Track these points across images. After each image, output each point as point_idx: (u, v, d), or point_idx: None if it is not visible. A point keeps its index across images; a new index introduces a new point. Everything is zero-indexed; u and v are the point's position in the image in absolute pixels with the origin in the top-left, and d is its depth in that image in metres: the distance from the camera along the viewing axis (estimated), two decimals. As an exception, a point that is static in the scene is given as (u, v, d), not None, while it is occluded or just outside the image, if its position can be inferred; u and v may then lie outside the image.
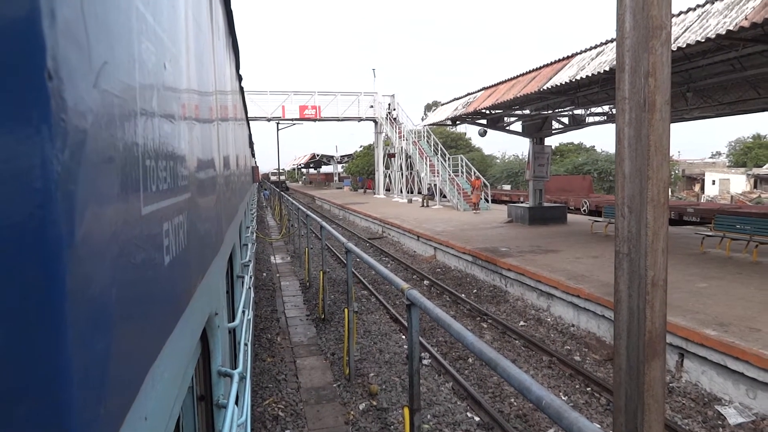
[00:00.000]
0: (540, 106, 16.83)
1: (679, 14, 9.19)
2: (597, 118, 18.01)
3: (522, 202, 22.50)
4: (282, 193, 28.79)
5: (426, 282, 12.62)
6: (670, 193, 41.73)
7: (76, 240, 0.48)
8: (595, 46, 11.78)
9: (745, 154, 58.31)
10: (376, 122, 36.93)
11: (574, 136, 59.14)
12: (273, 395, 6.27)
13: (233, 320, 2.55)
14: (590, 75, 10.46)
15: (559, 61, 13.25)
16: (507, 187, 43.84)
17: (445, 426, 5.62)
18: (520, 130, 19.41)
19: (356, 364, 7.02)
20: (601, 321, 8.24)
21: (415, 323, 3.67)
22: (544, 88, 12.38)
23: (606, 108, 16.81)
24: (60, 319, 0.45)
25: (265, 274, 13.73)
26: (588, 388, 6.62)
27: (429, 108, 67.97)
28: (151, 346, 0.75)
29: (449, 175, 27.42)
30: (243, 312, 2.78)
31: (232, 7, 3.39)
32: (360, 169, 54.14)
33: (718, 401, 6.08)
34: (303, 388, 6.43)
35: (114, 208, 0.59)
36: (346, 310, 6.52)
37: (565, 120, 18.60)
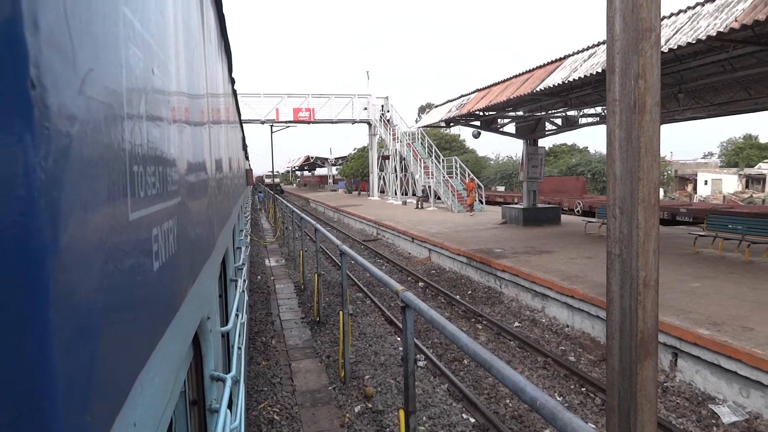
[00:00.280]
0: (533, 108, 16.89)
1: (670, 16, 9.25)
2: (590, 119, 18.09)
3: (516, 204, 22.58)
4: (276, 196, 28.70)
5: (421, 284, 12.63)
6: (662, 194, 41.99)
7: (60, 247, 0.48)
8: (588, 48, 11.84)
9: (737, 155, 58.75)
10: (370, 124, 36.95)
11: (567, 138, 59.42)
12: (268, 399, 6.25)
13: (227, 324, 2.54)
14: (583, 76, 10.52)
15: (552, 62, 13.31)
16: (501, 188, 43.96)
17: (440, 428, 5.62)
18: (513, 131, 19.47)
19: (351, 367, 7.00)
20: (595, 321, 8.27)
21: (410, 325, 3.67)
22: (537, 89, 12.43)
23: (599, 109, 16.89)
24: (44, 325, 0.45)
25: (259, 277, 13.69)
26: (583, 389, 6.64)
27: (423, 110, 68.09)
28: (140, 351, 0.75)
29: (443, 176, 27.46)
30: (236, 315, 2.77)
31: (224, 11, 3.38)
32: (354, 172, 54.13)
33: (712, 400, 6.11)
34: (298, 391, 6.41)
35: (100, 214, 0.59)
36: (341, 312, 6.51)
37: (559, 121, 18.68)
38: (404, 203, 31.61)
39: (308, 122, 35.33)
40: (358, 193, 47.78)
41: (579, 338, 8.38)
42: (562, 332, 8.75)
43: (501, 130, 19.53)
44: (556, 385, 6.78)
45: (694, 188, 50.28)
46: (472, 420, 5.82)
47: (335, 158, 75.28)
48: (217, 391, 1.73)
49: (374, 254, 17.16)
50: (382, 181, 38.94)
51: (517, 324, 9.36)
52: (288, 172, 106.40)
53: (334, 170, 78.56)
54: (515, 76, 15.32)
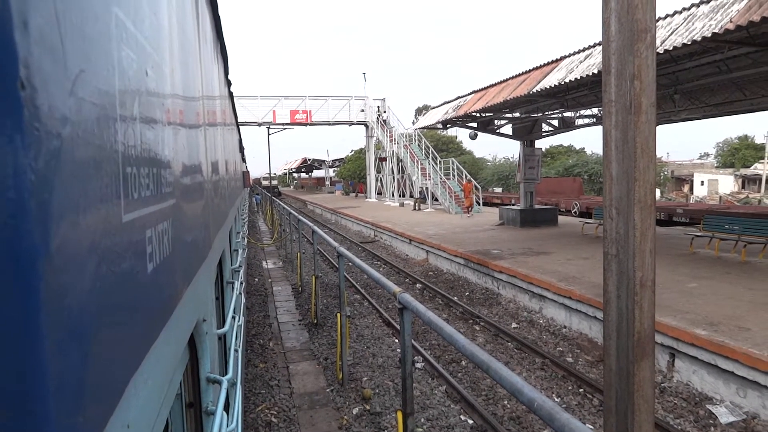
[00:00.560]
0: (530, 109, 16.92)
1: (665, 17, 9.28)
2: (586, 121, 18.13)
3: (513, 205, 22.60)
4: (274, 198, 28.64)
5: (418, 285, 12.63)
6: (659, 194, 42.12)
7: (51, 248, 0.47)
8: (584, 49, 11.87)
9: (733, 155, 58.99)
10: (367, 126, 36.95)
11: (564, 139, 59.61)
12: (266, 401, 6.23)
13: (223, 326, 2.53)
14: (579, 78, 10.54)
15: (549, 63, 13.34)
16: (498, 189, 44.00)
17: (438, 429, 5.61)
18: (510, 132, 19.50)
19: (349, 369, 6.99)
20: (592, 322, 8.28)
21: (408, 327, 3.67)
22: (534, 91, 12.45)
23: (595, 110, 16.94)
24: (36, 327, 0.45)
25: (257, 279, 13.67)
26: (581, 389, 6.64)
27: (419, 111, 68.17)
28: (134, 353, 0.75)
29: (441, 178, 27.48)
30: (233, 318, 2.76)
31: (220, 12, 3.38)
32: (351, 173, 54.13)
33: (710, 400, 6.12)
34: (296, 393, 6.40)
35: (92, 216, 0.59)
36: (338, 314, 6.50)
37: (555, 122, 18.71)
38: (401, 205, 31.62)
39: (305, 124, 35.31)
40: (356, 195, 47.76)
41: (576, 339, 8.38)
42: (560, 333, 8.75)
43: (498, 131, 19.56)
44: (554, 386, 6.78)
45: (691, 189, 50.45)
46: (470, 421, 5.82)
47: (332, 160, 75.31)
48: (213, 393, 1.72)
49: (372, 256, 17.16)
50: (379, 183, 38.94)
51: (514, 325, 9.36)
52: (285, 174, 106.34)
53: (331, 172, 78.59)
54: (512, 78, 15.35)
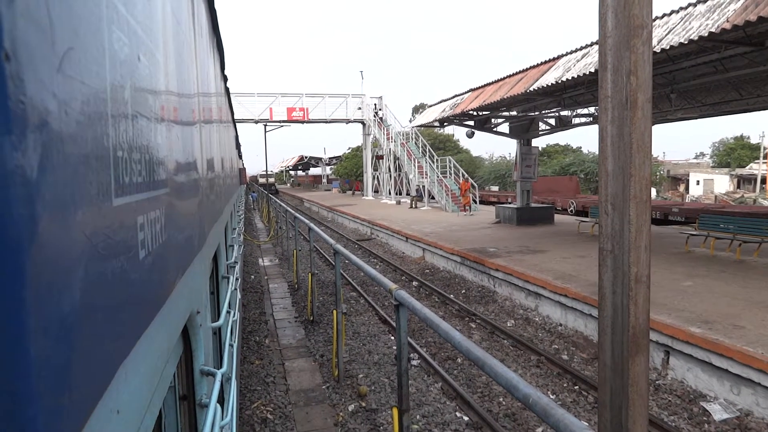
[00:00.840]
0: (527, 108, 16.94)
1: (662, 16, 9.30)
2: (583, 119, 18.17)
3: (510, 203, 22.64)
4: (270, 195, 28.55)
5: (415, 283, 12.63)
6: (655, 194, 42.25)
7: (38, 229, 0.47)
8: (581, 48, 11.88)
9: (728, 155, 59.19)
10: (364, 124, 36.93)
11: (560, 138, 59.66)
12: (261, 398, 6.22)
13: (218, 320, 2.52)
14: (576, 76, 10.55)
15: (546, 62, 13.35)
16: (495, 188, 44.05)
17: (434, 426, 5.62)
18: (507, 131, 19.52)
19: (345, 366, 6.99)
20: (588, 320, 8.30)
21: (404, 324, 3.66)
22: (531, 89, 12.46)
23: (592, 109, 16.97)
24: (19, 307, 0.44)
25: (253, 276, 13.65)
26: (576, 387, 6.66)
27: (417, 110, 68.15)
28: (124, 339, 0.74)
29: (437, 176, 27.49)
30: (228, 312, 2.75)
31: (216, 6, 3.36)
32: (348, 171, 54.08)
33: (704, 398, 6.14)
34: (292, 390, 6.39)
35: (81, 198, 0.58)
36: (334, 311, 6.50)
37: (552, 121, 18.74)
38: (398, 203, 31.62)
39: (302, 122, 35.26)
40: (353, 193, 47.74)
41: (572, 337, 8.40)
42: (555, 331, 8.77)
43: (495, 129, 19.58)
44: (550, 383, 6.80)
45: (686, 188, 50.64)
46: (466, 418, 5.83)
47: (329, 158, 75.21)
48: (207, 386, 1.72)
49: (368, 254, 17.15)
50: (376, 181, 38.93)
51: (510, 323, 9.37)
52: (282, 171, 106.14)
53: (328, 170, 78.48)
54: (509, 76, 15.36)
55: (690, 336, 6.35)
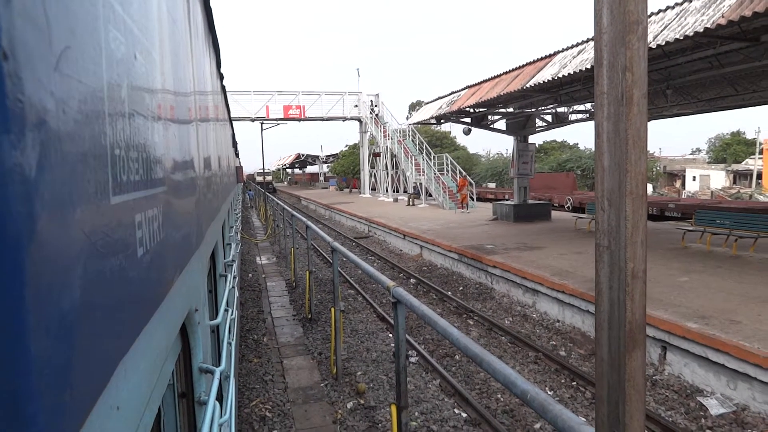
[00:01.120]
0: (523, 104, 16.95)
1: (658, 12, 9.32)
2: (579, 116, 18.20)
3: (507, 200, 22.65)
4: (268, 194, 28.48)
5: (412, 280, 12.65)
6: (651, 189, 42.35)
7: (37, 227, 0.47)
8: (577, 45, 11.90)
9: (725, 151, 59.33)
10: (360, 121, 36.90)
11: (557, 134, 59.80)
12: (260, 396, 6.23)
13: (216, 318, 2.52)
14: (572, 73, 10.57)
15: (542, 59, 13.36)
16: (492, 185, 44.09)
17: (432, 423, 5.64)
18: (504, 128, 19.53)
19: (343, 364, 7.00)
20: (585, 316, 8.33)
21: (402, 320, 3.67)
22: (527, 86, 12.47)
23: (588, 106, 17.00)
24: (20, 304, 0.44)
25: (251, 274, 13.64)
26: (573, 383, 6.68)
27: (413, 107, 68.11)
28: (123, 336, 0.74)
29: (434, 173, 27.50)
30: (226, 310, 2.75)
31: (212, 4, 3.36)
32: (345, 169, 54.02)
33: (700, 393, 6.18)
34: (290, 388, 6.40)
35: (80, 195, 0.58)
36: (332, 309, 6.51)
37: (549, 118, 18.77)
38: (395, 200, 31.62)
39: (299, 120, 35.23)
40: (350, 191, 47.72)
41: (569, 333, 8.43)
42: (553, 327, 8.80)
43: (491, 126, 19.59)
44: (547, 380, 6.82)
45: (683, 184, 50.80)
46: (464, 415, 5.85)
47: (326, 155, 75.13)
48: (206, 383, 1.72)
49: (365, 251, 17.16)
50: (373, 179, 38.92)
51: (508, 320, 9.40)
52: (279, 169, 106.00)
53: (325, 168, 78.40)
54: (505, 73, 15.36)
55: (687, 331, 6.37)
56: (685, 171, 52.73)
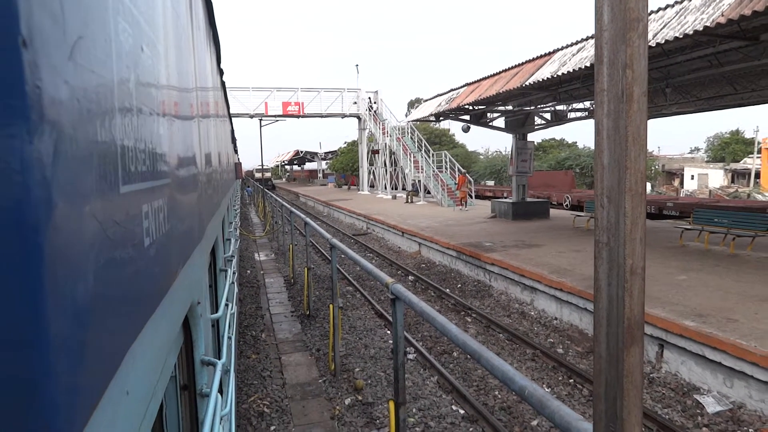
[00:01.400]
0: (523, 102, 16.96)
1: (657, 10, 9.32)
2: (578, 114, 18.21)
3: (505, 198, 22.67)
4: (266, 191, 28.42)
5: (411, 278, 12.66)
6: (650, 188, 42.42)
7: (54, 214, 0.48)
8: (576, 42, 11.89)
9: (723, 150, 59.38)
10: (359, 118, 36.88)
11: (556, 132, 59.82)
12: (258, 392, 6.25)
13: (217, 313, 2.54)
14: (572, 70, 10.57)
15: (541, 57, 13.35)
16: (491, 183, 44.11)
17: (430, 419, 5.66)
18: (503, 125, 19.54)
19: (341, 360, 7.02)
20: (583, 314, 8.36)
21: (400, 317, 3.68)
22: (527, 83, 12.47)
23: (587, 104, 17.01)
24: (38, 290, 0.45)
25: (249, 271, 13.65)
26: (570, 380, 6.71)
27: (412, 104, 68.06)
28: (132, 324, 0.76)
29: (433, 171, 27.50)
30: (226, 305, 2.77)
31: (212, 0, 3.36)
32: (344, 166, 53.98)
33: (697, 390, 6.21)
34: (288, 384, 6.42)
35: (91, 184, 0.59)
36: (331, 306, 6.52)
37: (548, 116, 18.77)
38: (394, 197, 31.63)
39: (297, 116, 35.19)
40: (348, 188, 47.70)
41: (567, 330, 8.46)
42: (551, 325, 8.83)
43: (490, 124, 19.59)
44: (545, 377, 6.85)
45: (681, 183, 50.87)
46: (462, 411, 5.87)
47: (325, 152, 75.10)
48: (207, 376, 1.73)
49: (364, 248, 17.17)
50: (371, 176, 38.91)
51: (506, 318, 9.42)
52: (277, 166, 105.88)
53: (323, 164, 78.39)
54: (505, 70, 15.35)
55: (684, 329, 6.40)
56: (683, 170, 52.80)
